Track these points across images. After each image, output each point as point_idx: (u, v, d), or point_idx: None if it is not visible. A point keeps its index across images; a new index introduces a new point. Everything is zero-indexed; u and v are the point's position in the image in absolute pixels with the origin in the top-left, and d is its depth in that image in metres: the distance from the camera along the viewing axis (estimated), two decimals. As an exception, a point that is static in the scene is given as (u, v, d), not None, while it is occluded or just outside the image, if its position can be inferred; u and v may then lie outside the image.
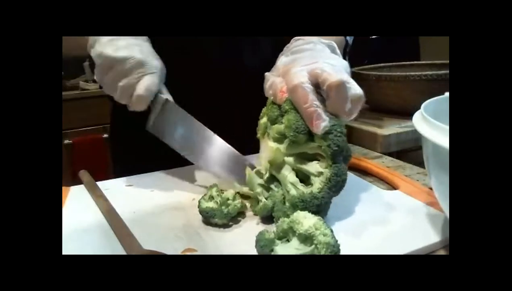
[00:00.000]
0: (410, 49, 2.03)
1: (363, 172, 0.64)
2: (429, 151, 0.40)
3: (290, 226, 0.39)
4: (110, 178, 0.64)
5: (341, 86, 0.44)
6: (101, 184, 0.60)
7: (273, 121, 0.49)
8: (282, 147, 0.47)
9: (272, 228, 0.44)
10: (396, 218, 0.47)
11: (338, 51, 0.56)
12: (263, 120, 0.52)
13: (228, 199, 0.47)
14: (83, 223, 0.49)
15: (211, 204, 0.47)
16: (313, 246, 0.37)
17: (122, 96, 0.54)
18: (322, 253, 0.37)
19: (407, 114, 0.94)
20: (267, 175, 0.49)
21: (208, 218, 0.47)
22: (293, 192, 0.46)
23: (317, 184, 0.45)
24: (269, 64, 0.77)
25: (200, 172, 0.64)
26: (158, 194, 0.57)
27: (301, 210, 0.43)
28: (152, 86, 0.53)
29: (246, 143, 0.71)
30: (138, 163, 0.70)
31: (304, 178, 0.47)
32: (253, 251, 0.41)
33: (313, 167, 0.46)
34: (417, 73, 0.95)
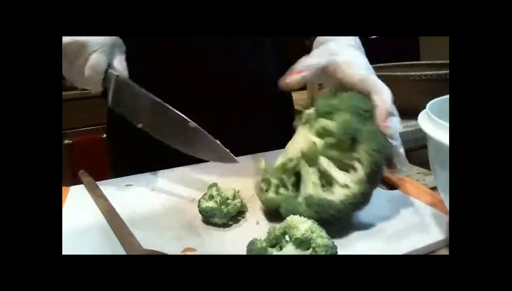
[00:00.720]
0: (410, 49, 2.03)
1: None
2: (434, 150, 0.40)
3: (284, 232, 0.38)
4: (110, 178, 0.64)
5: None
6: (101, 184, 0.60)
7: (322, 115, 0.47)
8: (321, 143, 0.46)
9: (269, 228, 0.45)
10: (396, 217, 0.47)
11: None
12: (309, 110, 0.49)
13: (228, 199, 0.47)
14: (83, 223, 0.49)
15: (210, 204, 0.47)
16: (311, 249, 0.36)
17: (79, 82, 0.53)
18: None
19: (407, 114, 0.94)
20: (294, 162, 0.47)
21: (208, 218, 0.47)
22: (311, 191, 0.44)
23: (339, 195, 0.43)
24: (268, 64, 0.77)
25: (200, 172, 0.64)
26: (158, 194, 0.57)
27: (315, 213, 0.42)
28: (97, 65, 0.51)
29: (246, 143, 0.71)
30: (137, 162, 0.70)
31: (326, 184, 0.45)
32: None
33: (342, 177, 0.44)
34: (417, 73, 0.95)
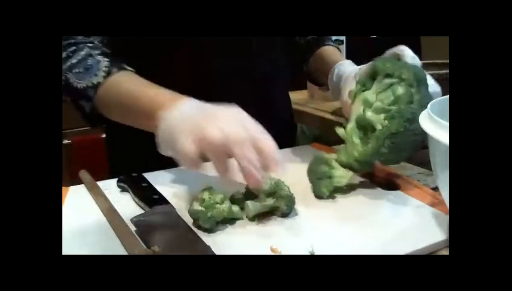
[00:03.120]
0: (411, 49, 2.02)
1: (364, 172, 0.63)
2: (435, 150, 0.40)
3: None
4: (110, 178, 0.64)
5: None
6: (101, 184, 0.60)
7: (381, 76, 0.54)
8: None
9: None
10: (397, 218, 0.47)
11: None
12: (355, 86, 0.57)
13: (216, 203, 0.46)
14: (83, 223, 0.49)
15: (198, 207, 0.46)
16: (275, 199, 0.47)
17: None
18: (282, 204, 0.47)
19: (408, 114, 0.94)
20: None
21: (195, 220, 0.46)
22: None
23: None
24: (267, 64, 0.77)
25: (200, 172, 0.64)
26: (158, 194, 0.57)
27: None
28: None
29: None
30: (136, 163, 0.69)
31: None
32: (251, 251, 0.41)
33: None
34: (418, 73, 0.95)
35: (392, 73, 0.53)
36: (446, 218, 0.45)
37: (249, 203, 0.48)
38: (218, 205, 0.46)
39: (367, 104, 0.53)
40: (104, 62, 0.60)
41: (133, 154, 0.76)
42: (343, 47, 1.36)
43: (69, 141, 2.06)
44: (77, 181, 0.62)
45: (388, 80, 0.53)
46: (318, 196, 0.53)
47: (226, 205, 0.47)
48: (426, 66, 1.12)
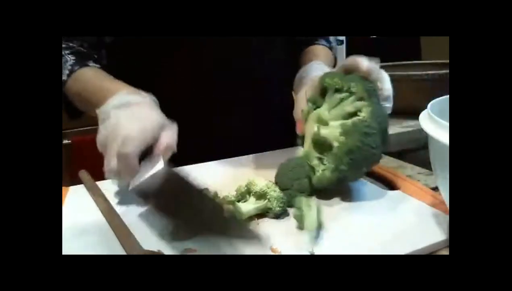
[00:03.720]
0: (411, 49, 2.02)
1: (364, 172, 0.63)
2: (435, 150, 0.40)
3: (247, 188, 0.49)
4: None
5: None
6: (101, 184, 0.60)
7: (330, 91, 0.54)
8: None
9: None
10: (397, 218, 0.47)
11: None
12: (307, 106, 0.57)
13: (237, 199, 0.48)
14: (82, 223, 0.49)
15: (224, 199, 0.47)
16: (267, 200, 0.47)
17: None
18: (274, 205, 0.47)
19: (409, 114, 0.94)
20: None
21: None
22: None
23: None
24: (269, 64, 0.77)
25: (200, 172, 0.64)
26: (158, 194, 0.57)
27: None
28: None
29: (246, 143, 0.71)
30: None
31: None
32: (251, 251, 0.41)
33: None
34: (418, 72, 0.95)
35: (341, 88, 0.52)
36: (446, 218, 0.45)
37: (241, 205, 0.47)
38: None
39: (321, 121, 0.52)
40: (70, 61, 0.63)
41: None
42: (343, 47, 1.36)
43: (69, 141, 2.06)
44: (77, 181, 0.62)
45: (338, 95, 0.52)
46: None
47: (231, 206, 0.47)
48: (426, 66, 1.12)
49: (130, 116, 0.50)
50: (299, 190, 0.51)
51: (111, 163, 0.47)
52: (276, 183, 0.51)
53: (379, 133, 0.49)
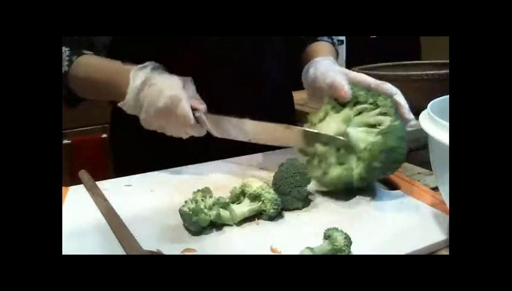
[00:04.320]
0: (411, 49, 2.02)
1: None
2: (435, 150, 0.40)
3: (242, 190, 0.49)
4: (109, 178, 0.64)
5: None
6: (101, 184, 0.60)
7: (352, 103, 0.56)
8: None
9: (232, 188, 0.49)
10: (397, 218, 0.47)
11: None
12: (326, 106, 0.58)
13: (204, 208, 0.45)
14: (82, 223, 0.49)
15: (187, 209, 0.45)
16: (261, 202, 0.47)
17: (182, 133, 0.61)
18: (268, 206, 0.46)
19: (408, 114, 0.94)
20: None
21: (183, 222, 0.46)
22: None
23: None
24: (270, 63, 0.77)
25: (200, 172, 0.64)
26: (158, 194, 0.57)
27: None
28: (184, 115, 0.57)
29: (246, 143, 0.71)
30: (138, 162, 0.70)
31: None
32: (251, 251, 0.41)
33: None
34: (418, 73, 0.95)
35: (365, 100, 0.55)
36: (446, 218, 0.45)
37: (235, 207, 0.47)
38: (206, 210, 0.45)
39: (347, 123, 0.54)
40: (66, 51, 0.65)
41: (136, 154, 0.76)
42: (343, 47, 1.35)
43: (69, 141, 2.07)
44: (77, 181, 0.62)
45: (359, 106, 0.55)
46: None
47: (214, 211, 0.45)
48: (426, 66, 1.12)
49: (157, 89, 0.58)
50: (297, 197, 0.50)
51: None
52: (275, 185, 0.50)
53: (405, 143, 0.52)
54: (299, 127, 0.58)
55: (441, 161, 0.39)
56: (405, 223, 0.46)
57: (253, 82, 0.74)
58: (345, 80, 0.57)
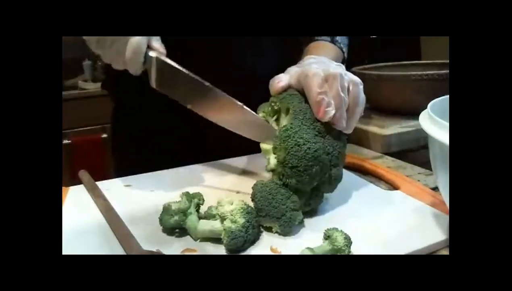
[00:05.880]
0: (411, 49, 2.02)
1: (364, 172, 0.63)
2: (435, 150, 0.40)
3: (216, 207, 0.44)
4: (110, 178, 0.64)
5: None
6: (101, 184, 0.60)
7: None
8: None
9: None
10: (397, 218, 0.47)
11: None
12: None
13: (185, 210, 0.44)
14: (82, 223, 0.49)
15: (172, 207, 0.45)
16: (222, 227, 0.41)
17: (118, 65, 0.54)
18: (223, 235, 0.41)
19: (408, 114, 0.94)
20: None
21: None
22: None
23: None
24: (267, 63, 0.77)
25: (200, 172, 0.64)
26: (158, 194, 0.57)
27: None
28: (138, 47, 0.51)
29: (246, 143, 0.71)
30: (138, 162, 0.70)
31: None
32: (251, 251, 0.41)
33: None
34: (418, 72, 0.95)
35: (279, 108, 0.53)
36: (446, 218, 0.45)
37: (201, 222, 0.43)
38: (172, 214, 0.44)
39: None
40: None
41: (137, 153, 0.76)
42: (343, 47, 1.35)
43: (69, 141, 2.07)
44: (77, 181, 0.62)
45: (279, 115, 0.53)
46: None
47: (177, 217, 0.44)
48: (426, 66, 1.12)
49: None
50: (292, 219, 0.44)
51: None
52: (258, 210, 0.45)
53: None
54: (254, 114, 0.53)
55: (441, 161, 0.39)
56: (405, 223, 0.46)
57: (251, 82, 0.74)
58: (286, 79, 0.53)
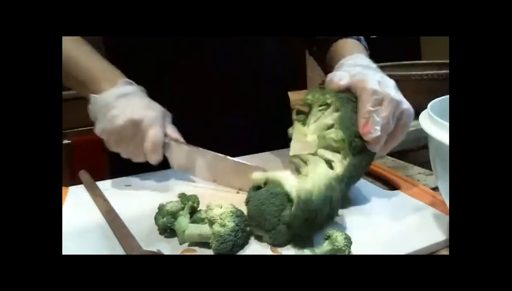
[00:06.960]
0: (411, 49, 2.02)
1: (364, 172, 0.63)
2: (435, 150, 0.40)
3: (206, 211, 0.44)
4: (109, 178, 0.64)
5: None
6: (101, 184, 0.60)
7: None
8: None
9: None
10: (397, 218, 0.47)
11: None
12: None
13: (175, 212, 0.44)
14: (82, 223, 0.49)
15: (165, 207, 0.45)
16: (211, 231, 0.41)
17: (139, 158, 0.57)
18: (211, 239, 0.40)
19: (408, 114, 0.94)
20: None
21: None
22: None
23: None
24: (268, 64, 0.77)
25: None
26: (158, 194, 0.57)
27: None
28: (157, 138, 0.54)
29: (245, 143, 0.71)
30: (138, 163, 0.70)
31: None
32: (251, 251, 0.41)
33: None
34: (418, 72, 0.95)
35: (322, 102, 0.52)
36: (446, 218, 0.45)
37: (190, 226, 0.42)
38: (164, 214, 0.44)
39: (302, 136, 0.52)
40: None
41: None
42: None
43: (69, 141, 2.06)
44: (77, 181, 0.62)
45: (319, 109, 0.52)
46: None
47: (165, 219, 0.44)
48: (425, 66, 1.12)
49: (139, 104, 0.55)
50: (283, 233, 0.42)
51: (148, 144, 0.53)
52: (249, 218, 0.43)
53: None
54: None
55: (441, 161, 0.39)
56: (405, 223, 0.46)
57: (252, 82, 0.74)
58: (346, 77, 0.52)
